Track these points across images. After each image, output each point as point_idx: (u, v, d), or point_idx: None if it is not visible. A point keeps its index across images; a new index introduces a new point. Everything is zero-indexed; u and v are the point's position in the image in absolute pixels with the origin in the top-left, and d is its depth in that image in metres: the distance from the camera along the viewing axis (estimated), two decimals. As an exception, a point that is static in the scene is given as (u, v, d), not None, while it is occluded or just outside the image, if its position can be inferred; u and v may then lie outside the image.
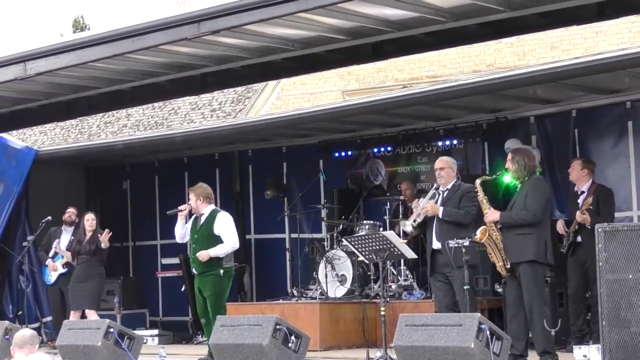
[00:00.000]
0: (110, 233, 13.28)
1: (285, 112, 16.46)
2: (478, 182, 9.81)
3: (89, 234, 13.28)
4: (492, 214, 9.52)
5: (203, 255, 10.88)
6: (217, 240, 11.00)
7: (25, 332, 7.55)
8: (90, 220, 13.40)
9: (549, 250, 9.42)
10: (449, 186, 9.99)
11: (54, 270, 14.07)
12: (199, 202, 11.11)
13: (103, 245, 13.18)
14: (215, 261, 10.95)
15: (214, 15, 8.86)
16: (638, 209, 11.88)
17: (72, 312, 13.17)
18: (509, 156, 9.68)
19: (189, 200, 11.26)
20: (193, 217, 11.28)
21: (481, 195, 9.68)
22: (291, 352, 9.10)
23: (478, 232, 9.40)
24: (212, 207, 11.22)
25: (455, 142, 13.52)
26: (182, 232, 11.24)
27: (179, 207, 11.22)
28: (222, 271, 10.93)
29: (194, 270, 11.15)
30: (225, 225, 11.05)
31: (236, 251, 11.77)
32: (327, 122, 13.92)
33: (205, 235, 11.03)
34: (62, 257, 13.92)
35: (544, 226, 9.45)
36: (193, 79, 10.98)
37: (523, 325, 9.38)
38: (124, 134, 23.38)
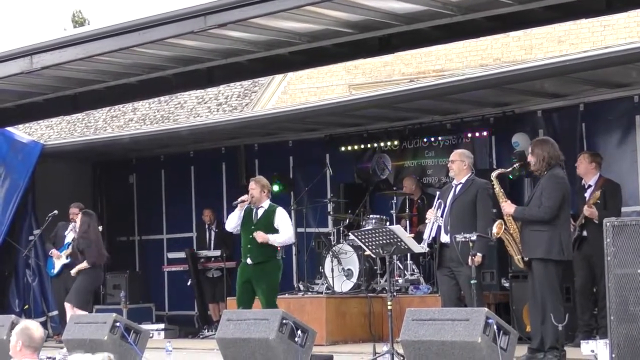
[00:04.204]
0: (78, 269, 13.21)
1: (291, 106, 16.44)
2: (494, 175, 9.70)
3: (78, 231, 13.26)
4: (507, 207, 9.43)
5: (261, 236, 11.02)
6: (274, 233, 11.21)
7: (36, 332, 6.58)
8: (71, 214, 13.42)
9: (565, 246, 9.35)
10: (463, 180, 9.89)
11: (57, 259, 14.07)
12: (262, 193, 11.26)
13: (72, 272, 13.19)
14: (272, 252, 11.12)
15: (220, 8, 8.83)
16: (645, 204, 11.85)
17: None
18: (529, 149, 9.60)
19: (249, 189, 11.29)
20: (245, 207, 11.34)
21: (497, 189, 9.57)
22: (297, 346, 9.07)
23: (494, 227, 9.30)
24: (269, 201, 11.38)
25: (462, 136, 13.49)
26: (237, 221, 11.33)
27: (242, 198, 11.30)
28: (276, 263, 11.15)
29: (249, 260, 11.14)
30: (285, 220, 11.26)
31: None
32: (334, 116, 13.90)
33: (265, 226, 11.16)
34: (67, 247, 13.90)
35: (560, 223, 9.36)
36: (199, 72, 10.96)
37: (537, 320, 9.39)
38: (130, 128, 23.38)
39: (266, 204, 11.27)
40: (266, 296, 11.02)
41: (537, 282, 9.26)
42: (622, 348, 7.67)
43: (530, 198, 9.53)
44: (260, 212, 11.22)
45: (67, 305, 13.03)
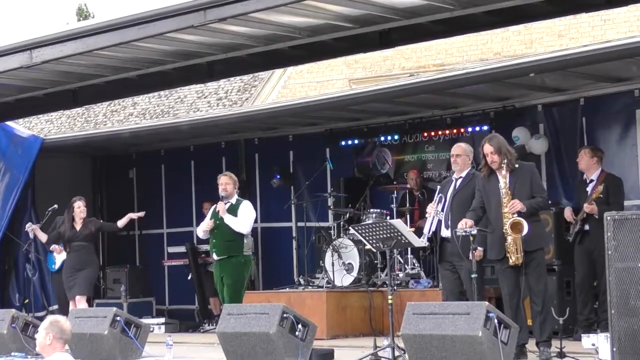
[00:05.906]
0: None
1: (291, 101, 16.43)
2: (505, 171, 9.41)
3: (80, 220, 13.17)
4: (519, 204, 9.00)
5: (222, 209, 11.30)
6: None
7: (65, 324, 6.78)
8: (81, 207, 13.29)
9: None
10: (463, 174, 9.87)
11: (58, 254, 14.05)
12: (234, 188, 11.56)
13: (120, 224, 13.40)
14: (238, 248, 11.31)
15: (220, 2, 8.83)
16: (646, 198, 11.85)
17: (70, 302, 13.05)
18: (490, 148, 9.18)
19: (222, 185, 11.50)
20: (214, 207, 11.58)
21: (504, 187, 9.12)
22: (298, 340, 9.08)
23: (509, 227, 8.94)
24: (237, 196, 11.64)
25: (462, 130, 13.48)
26: (208, 227, 11.54)
27: (218, 209, 11.46)
28: (242, 259, 11.33)
29: (214, 256, 11.47)
30: (246, 211, 11.46)
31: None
32: (334, 110, 13.89)
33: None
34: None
35: None
36: (199, 67, 10.96)
37: (524, 314, 9.38)
38: (130, 122, 23.36)
39: (234, 198, 11.54)
40: (230, 292, 11.24)
41: (539, 273, 9.17)
42: (622, 342, 7.67)
43: (511, 192, 9.11)
44: (227, 206, 11.45)
45: (79, 298, 12.92)
